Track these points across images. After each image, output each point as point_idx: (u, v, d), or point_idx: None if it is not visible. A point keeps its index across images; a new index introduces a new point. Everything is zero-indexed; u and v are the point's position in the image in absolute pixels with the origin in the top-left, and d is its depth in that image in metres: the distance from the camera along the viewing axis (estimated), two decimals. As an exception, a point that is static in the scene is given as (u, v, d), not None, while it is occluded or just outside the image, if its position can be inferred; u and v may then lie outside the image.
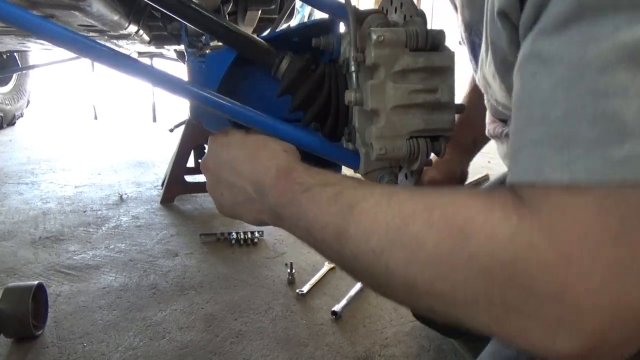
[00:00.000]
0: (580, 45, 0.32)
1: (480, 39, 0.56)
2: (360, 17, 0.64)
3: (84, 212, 1.95)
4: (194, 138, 2.11)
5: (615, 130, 0.30)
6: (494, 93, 0.61)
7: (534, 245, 0.32)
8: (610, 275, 0.30)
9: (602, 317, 0.31)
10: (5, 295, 1.07)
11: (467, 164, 1.03)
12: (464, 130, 1.00)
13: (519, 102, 0.37)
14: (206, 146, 2.13)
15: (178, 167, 2.10)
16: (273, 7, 1.78)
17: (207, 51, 0.87)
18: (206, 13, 0.66)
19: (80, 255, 1.54)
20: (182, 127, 2.19)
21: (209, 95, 0.64)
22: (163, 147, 3.10)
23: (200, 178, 2.19)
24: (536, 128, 0.34)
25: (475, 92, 0.91)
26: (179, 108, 3.77)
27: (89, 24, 1.28)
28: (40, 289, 1.13)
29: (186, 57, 0.94)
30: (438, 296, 0.37)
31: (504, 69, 0.51)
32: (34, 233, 1.71)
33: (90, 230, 1.76)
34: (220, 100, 0.64)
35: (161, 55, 3.10)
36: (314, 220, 0.48)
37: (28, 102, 4.20)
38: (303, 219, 0.50)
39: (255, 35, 0.74)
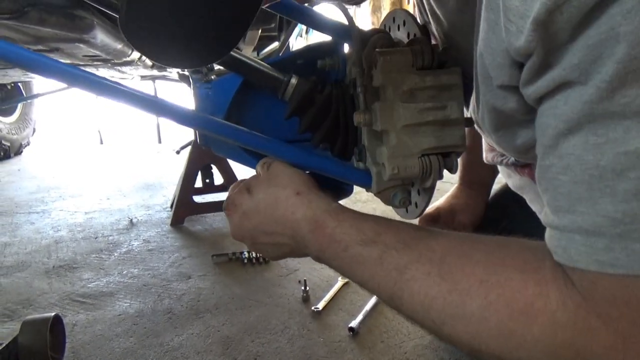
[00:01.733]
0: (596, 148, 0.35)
1: (467, 80, 0.56)
2: (364, 38, 0.65)
3: (95, 238, 1.96)
4: (200, 159, 2.12)
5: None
6: (487, 136, 0.61)
7: (592, 329, 0.37)
8: None
9: None
10: (23, 329, 1.07)
11: (488, 198, 1.06)
12: (480, 171, 1.01)
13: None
14: (213, 165, 2.11)
15: (186, 188, 2.11)
16: (273, 25, 1.80)
17: (212, 77, 0.88)
18: None
19: (94, 283, 1.54)
20: (189, 148, 2.21)
21: (217, 124, 0.64)
22: (170, 168, 3.13)
23: (208, 198, 2.20)
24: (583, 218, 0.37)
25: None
26: (184, 129, 3.79)
27: (93, 54, 1.30)
28: (57, 320, 1.13)
29: (191, 83, 0.95)
30: None
31: (503, 126, 0.52)
32: (47, 262, 1.72)
33: (103, 256, 1.76)
34: (229, 128, 0.65)
35: (163, 78, 3.13)
36: (362, 279, 0.52)
37: (34, 130, 4.25)
38: (352, 275, 0.53)
39: (259, 60, 0.75)
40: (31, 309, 1.39)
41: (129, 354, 1.16)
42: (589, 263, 0.37)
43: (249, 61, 0.72)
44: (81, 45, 1.11)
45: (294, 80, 0.70)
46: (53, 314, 1.12)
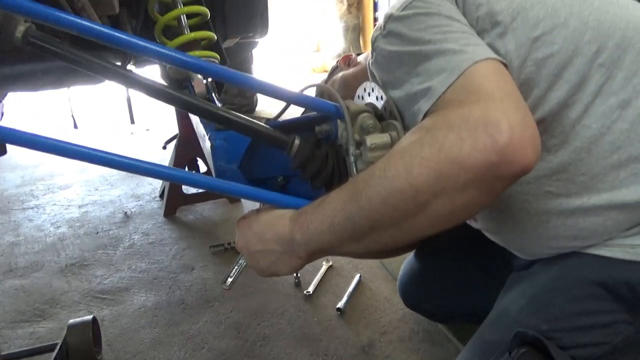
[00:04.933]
0: None
1: None
2: (353, 116, 0.86)
3: (97, 233, 2.14)
4: (187, 152, 2.29)
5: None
6: None
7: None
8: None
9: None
10: (69, 331, 1.28)
11: None
12: None
13: None
14: (198, 159, 2.33)
15: (175, 181, 2.28)
16: (251, 34, 1.96)
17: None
18: (223, 110, 0.82)
19: (108, 279, 1.75)
20: (174, 142, 2.37)
21: (233, 188, 0.83)
22: (146, 152, 3.26)
23: (197, 189, 2.39)
24: None
25: None
26: (154, 106, 3.87)
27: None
28: (94, 321, 1.35)
29: (207, 131, 1.14)
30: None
31: None
32: (59, 261, 1.90)
33: (109, 252, 1.96)
34: (242, 190, 0.84)
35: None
36: (333, 209, 0.66)
37: (2, 114, 4.21)
38: (326, 218, 0.67)
39: (265, 123, 0.95)
40: (58, 308, 1.59)
41: (157, 343, 1.40)
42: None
43: (258, 125, 0.92)
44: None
45: (297, 141, 0.91)
46: (91, 316, 1.34)
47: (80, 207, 2.46)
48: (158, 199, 2.48)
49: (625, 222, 0.71)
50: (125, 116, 2.07)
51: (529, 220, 0.77)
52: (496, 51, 0.69)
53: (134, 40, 0.72)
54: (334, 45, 6.03)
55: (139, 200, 2.50)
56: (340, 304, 1.49)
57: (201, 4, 1.25)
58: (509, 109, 0.56)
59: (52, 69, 0.93)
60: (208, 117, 0.85)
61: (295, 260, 0.75)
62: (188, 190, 2.40)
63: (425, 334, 1.36)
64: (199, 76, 1.24)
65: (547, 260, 0.80)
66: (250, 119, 0.91)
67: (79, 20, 0.69)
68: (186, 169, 2.31)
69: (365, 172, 0.65)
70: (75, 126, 4.30)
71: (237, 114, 0.86)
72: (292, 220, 0.75)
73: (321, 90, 0.93)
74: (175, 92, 0.80)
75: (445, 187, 0.56)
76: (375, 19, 5.64)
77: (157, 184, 2.63)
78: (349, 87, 1.13)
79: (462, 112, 0.57)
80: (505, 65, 0.66)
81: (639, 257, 0.70)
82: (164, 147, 2.54)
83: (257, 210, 0.85)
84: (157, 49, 0.74)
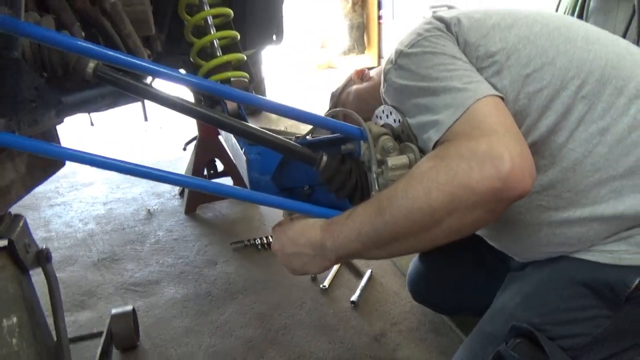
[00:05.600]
0: None
1: None
2: (375, 138, 1.00)
3: (123, 229, 2.29)
4: (206, 154, 2.44)
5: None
6: None
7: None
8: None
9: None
10: (113, 320, 1.43)
11: None
12: None
13: None
14: (217, 159, 2.48)
15: (195, 180, 2.43)
16: (268, 45, 2.08)
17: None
18: (260, 130, 0.95)
19: (139, 273, 1.90)
20: (194, 143, 2.51)
21: (265, 200, 0.97)
22: (162, 149, 3.40)
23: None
24: None
25: None
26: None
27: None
28: (133, 311, 1.49)
29: (241, 145, 1.28)
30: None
31: None
32: (91, 256, 2.05)
33: (137, 247, 2.11)
34: (274, 201, 0.98)
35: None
36: (360, 222, 0.79)
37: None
38: (354, 229, 0.80)
39: (295, 141, 1.08)
40: (95, 299, 1.75)
41: (189, 331, 1.55)
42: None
43: (290, 144, 1.06)
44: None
45: (325, 158, 1.05)
46: (131, 307, 1.49)
47: (104, 204, 2.61)
48: (178, 196, 2.62)
49: (605, 231, 0.84)
50: (139, 114, 2.17)
51: (524, 230, 0.91)
52: (494, 86, 0.82)
53: (174, 73, 0.86)
54: (339, 42, 6.13)
55: (159, 198, 2.64)
56: (353, 297, 1.63)
57: (231, 27, 1.39)
58: (509, 143, 0.70)
59: (107, 94, 1.08)
60: (247, 136, 0.98)
61: (325, 262, 0.90)
62: (206, 188, 2.54)
63: (431, 325, 1.50)
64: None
65: (539, 263, 0.94)
66: (284, 139, 1.05)
67: (133, 60, 0.82)
68: (205, 170, 2.45)
69: (388, 191, 0.78)
70: (92, 123, 4.44)
71: (272, 133, 0.99)
72: (322, 229, 0.89)
73: (344, 114, 1.06)
74: (219, 115, 0.93)
75: (458, 207, 0.70)
76: (380, 17, 5.73)
77: (175, 182, 2.77)
78: (362, 101, 1.27)
79: (471, 146, 0.71)
80: (502, 98, 0.79)
81: (617, 261, 0.84)
82: (184, 149, 2.68)
83: (291, 218, 0.99)
84: (193, 80, 0.88)
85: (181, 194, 2.61)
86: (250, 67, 1.45)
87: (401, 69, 0.88)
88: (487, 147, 0.69)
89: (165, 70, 0.85)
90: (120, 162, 0.84)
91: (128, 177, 2.99)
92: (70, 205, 2.62)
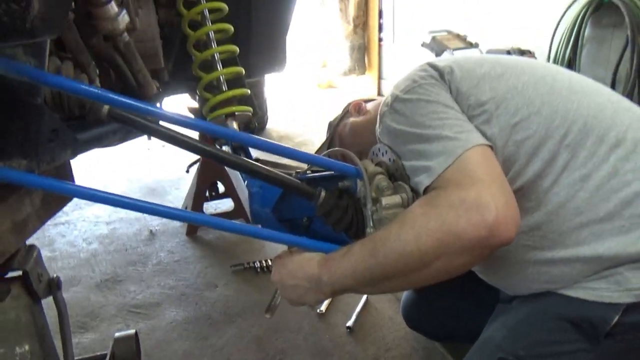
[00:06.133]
0: None
1: None
2: (370, 177, 1.06)
3: (126, 250, 2.33)
4: (209, 176, 2.49)
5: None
6: None
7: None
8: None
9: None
10: (116, 343, 1.47)
11: None
12: None
13: None
14: (219, 182, 2.54)
15: (198, 201, 2.49)
16: (270, 72, 2.15)
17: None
18: (262, 167, 1.00)
19: (141, 295, 1.94)
20: (196, 166, 2.57)
21: (267, 235, 1.03)
22: (165, 169, 3.46)
23: (216, 209, 2.59)
24: None
25: None
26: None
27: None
28: (135, 334, 1.53)
29: (243, 178, 1.34)
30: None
31: None
32: (94, 276, 2.10)
33: (139, 269, 2.15)
34: (276, 236, 1.04)
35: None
36: (355, 261, 0.84)
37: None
38: (349, 267, 0.85)
39: (294, 177, 1.14)
40: (98, 321, 1.79)
41: (189, 354, 1.59)
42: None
43: (290, 180, 1.11)
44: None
45: (323, 193, 1.11)
46: (133, 331, 1.53)
47: (107, 223, 2.66)
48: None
49: (587, 270, 0.89)
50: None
51: (511, 267, 0.96)
52: (483, 133, 0.88)
53: (179, 117, 0.92)
54: (340, 63, 6.24)
55: (161, 218, 2.69)
56: (349, 322, 1.68)
57: (236, 64, 1.46)
58: (495, 193, 0.75)
59: (119, 129, 1.15)
60: (249, 173, 1.04)
61: (320, 295, 0.95)
62: (208, 210, 2.60)
63: (424, 351, 1.54)
64: (234, 125, 1.44)
65: (526, 297, 0.99)
66: (285, 174, 1.10)
67: (144, 106, 0.88)
68: (207, 192, 2.51)
69: (382, 233, 0.84)
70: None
71: (273, 170, 1.05)
72: (320, 264, 0.94)
73: (342, 153, 1.12)
74: (224, 154, 0.99)
75: (446, 252, 0.75)
76: (380, 40, 5.85)
77: (178, 203, 2.82)
78: (358, 134, 1.33)
79: (461, 194, 0.76)
80: (491, 147, 0.85)
81: (598, 298, 0.89)
82: (187, 171, 2.74)
83: (291, 251, 1.04)
84: (196, 123, 0.95)
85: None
86: (254, 99, 1.51)
87: (396, 113, 0.94)
88: (475, 196, 0.75)
89: (172, 115, 0.92)
90: (133, 200, 0.90)
91: (127, 193, 3.05)
92: (74, 224, 2.67)
